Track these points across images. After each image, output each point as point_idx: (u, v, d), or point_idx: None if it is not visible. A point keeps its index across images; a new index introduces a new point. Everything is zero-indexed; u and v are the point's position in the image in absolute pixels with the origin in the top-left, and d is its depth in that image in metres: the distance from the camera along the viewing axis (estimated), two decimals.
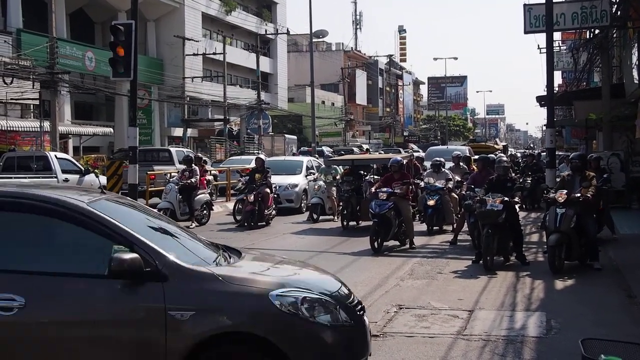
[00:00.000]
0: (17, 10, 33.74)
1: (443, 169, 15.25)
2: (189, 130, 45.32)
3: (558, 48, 36.70)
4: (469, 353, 6.10)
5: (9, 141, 29.16)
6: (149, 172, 19.12)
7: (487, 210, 10.28)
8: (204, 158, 20.20)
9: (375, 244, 11.95)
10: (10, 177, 16.92)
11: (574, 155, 11.20)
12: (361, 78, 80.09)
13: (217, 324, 4.37)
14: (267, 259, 5.90)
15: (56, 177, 17.86)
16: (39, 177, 17.44)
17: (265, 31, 56.75)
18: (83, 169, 18.98)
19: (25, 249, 4.68)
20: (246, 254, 5.45)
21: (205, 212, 16.89)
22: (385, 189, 12.30)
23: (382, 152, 40.94)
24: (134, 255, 4.37)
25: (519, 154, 29.62)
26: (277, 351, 4.35)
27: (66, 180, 18.06)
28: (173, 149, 24.70)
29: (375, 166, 17.45)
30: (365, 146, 49.46)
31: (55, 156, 18.78)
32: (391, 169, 12.94)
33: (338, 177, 17.51)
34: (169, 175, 18.77)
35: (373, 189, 12.81)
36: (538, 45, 38.44)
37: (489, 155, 13.88)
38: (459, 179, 14.80)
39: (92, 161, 30.40)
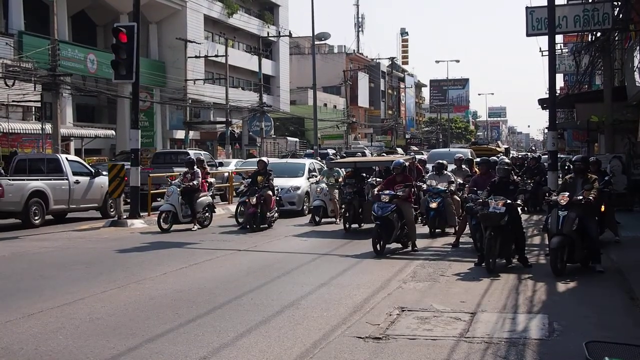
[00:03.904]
0: (19, 12, 33.80)
1: (445, 172, 15.26)
2: (191, 133, 45.37)
3: (560, 51, 36.72)
4: (471, 355, 6.08)
5: (10, 143, 29.23)
6: (150, 175, 19.29)
7: (489, 213, 10.28)
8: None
9: (378, 246, 11.93)
10: (23, 179, 17.25)
11: (576, 158, 11.20)
12: (363, 80, 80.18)
13: None
14: None
15: (67, 179, 18.11)
16: (50, 179, 17.74)
17: (268, 33, 56.83)
18: (93, 171, 19.16)
19: None
20: None
21: (207, 214, 16.90)
22: (387, 192, 12.29)
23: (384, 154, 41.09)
24: None
25: (520, 155, 29.67)
26: None
27: (77, 182, 18.31)
28: (192, 152, 24.91)
29: (377, 168, 17.45)
30: (398, 150, 48.71)
31: (66, 158, 19.13)
32: (394, 172, 12.93)
33: (340, 179, 17.51)
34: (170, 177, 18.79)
35: (375, 192, 12.79)
36: (540, 48, 38.63)
37: (490, 158, 13.87)
38: (461, 182, 14.80)
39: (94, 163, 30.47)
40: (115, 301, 8.21)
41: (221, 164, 28.50)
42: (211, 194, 17.43)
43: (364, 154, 38.79)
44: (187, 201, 16.26)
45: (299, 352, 6.15)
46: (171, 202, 16.13)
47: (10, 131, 28.72)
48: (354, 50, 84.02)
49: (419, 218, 15.57)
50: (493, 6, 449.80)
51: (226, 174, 23.95)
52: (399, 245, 12.67)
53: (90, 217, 19.20)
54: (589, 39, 23.20)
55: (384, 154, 42.23)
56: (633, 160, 20.10)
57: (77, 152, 34.07)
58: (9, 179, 17.06)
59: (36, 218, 16.99)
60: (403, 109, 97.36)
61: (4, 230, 16.31)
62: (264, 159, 18.05)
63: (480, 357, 6.06)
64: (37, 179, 17.42)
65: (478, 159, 15.72)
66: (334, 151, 40.88)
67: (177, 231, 15.82)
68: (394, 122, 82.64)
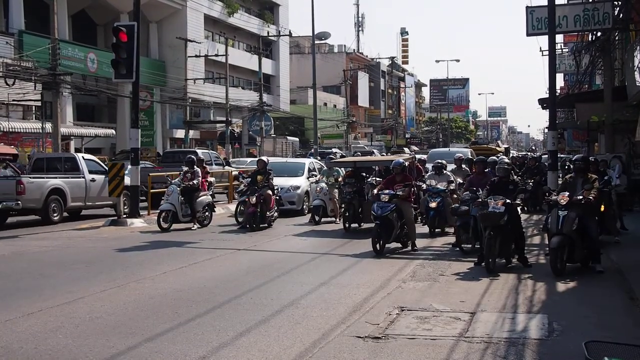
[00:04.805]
0: (19, 11, 33.79)
1: (445, 171, 15.25)
2: (191, 132, 45.35)
3: (560, 50, 36.73)
4: (471, 355, 6.08)
5: (10, 142, 29.23)
6: (150, 174, 19.38)
7: (489, 213, 10.28)
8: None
9: (377, 246, 11.93)
10: (42, 177, 17.71)
11: (576, 157, 11.20)
12: (363, 80, 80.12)
13: None
14: None
15: (84, 178, 18.58)
16: (67, 178, 18.19)
17: (268, 33, 56.79)
18: (108, 169, 19.37)
19: None
20: None
21: (207, 213, 16.90)
22: (387, 191, 12.28)
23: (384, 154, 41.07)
24: None
25: (520, 155, 29.68)
26: None
27: (93, 180, 18.73)
28: (199, 151, 24.92)
29: (377, 168, 17.44)
30: (405, 150, 47.91)
31: (83, 157, 19.73)
32: (393, 171, 12.93)
33: (340, 179, 17.50)
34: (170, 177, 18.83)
35: (375, 191, 12.79)
36: (540, 48, 38.67)
37: (490, 158, 13.85)
38: (461, 181, 14.78)
39: None
40: (115, 300, 8.21)
41: (228, 163, 28.48)
42: (211, 193, 17.43)
43: (372, 154, 38.75)
44: (187, 200, 16.26)
45: (299, 352, 6.15)
46: (171, 201, 16.13)
47: (11, 130, 28.74)
48: (354, 49, 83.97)
49: (419, 218, 15.57)
50: (493, 6, 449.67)
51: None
52: (399, 245, 12.66)
53: (106, 214, 19.28)
54: (589, 39, 23.20)
55: (383, 153, 42.33)
56: (633, 160, 20.09)
57: (77, 152, 34.08)
58: (30, 177, 17.51)
59: (55, 215, 17.58)
60: (403, 108, 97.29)
61: (24, 227, 16.75)
62: (264, 158, 18.05)
63: (479, 357, 6.05)
64: (56, 177, 17.94)
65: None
66: (336, 150, 40.87)
67: (177, 230, 15.82)
68: (393, 121, 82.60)
